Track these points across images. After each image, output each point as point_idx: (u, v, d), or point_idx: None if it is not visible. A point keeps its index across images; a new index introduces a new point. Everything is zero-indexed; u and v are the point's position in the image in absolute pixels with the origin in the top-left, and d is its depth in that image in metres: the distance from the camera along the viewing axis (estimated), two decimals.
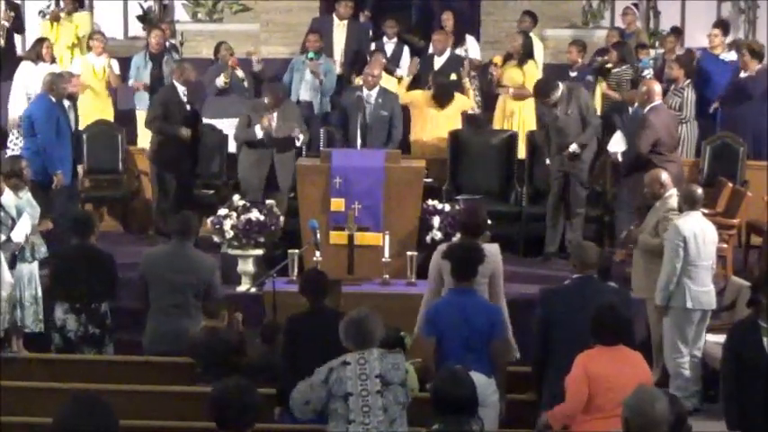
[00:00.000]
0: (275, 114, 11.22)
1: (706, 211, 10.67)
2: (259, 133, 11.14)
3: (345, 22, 14.04)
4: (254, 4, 15.87)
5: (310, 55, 13.03)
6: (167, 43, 13.79)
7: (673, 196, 9.31)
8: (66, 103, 11.71)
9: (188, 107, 11.97)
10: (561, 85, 11.41)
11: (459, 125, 12.47)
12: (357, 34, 14.14)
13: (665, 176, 9.58)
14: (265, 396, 7.27)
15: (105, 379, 8.09)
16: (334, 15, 14.09)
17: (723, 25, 13.86)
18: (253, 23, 15.79)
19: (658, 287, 8.87)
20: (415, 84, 13.16)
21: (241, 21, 15.83)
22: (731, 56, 13.29)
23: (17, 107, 12.68)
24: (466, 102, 12.68)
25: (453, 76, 13.10)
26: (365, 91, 11.75)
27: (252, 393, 5.66)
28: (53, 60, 13.08)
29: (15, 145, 12.47)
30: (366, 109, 11.65)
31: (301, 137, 11.20)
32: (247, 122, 11.25)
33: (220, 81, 12.94)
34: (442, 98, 12.40)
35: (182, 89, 11.97)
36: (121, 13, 16.34)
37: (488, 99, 13.56)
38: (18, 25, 14.81)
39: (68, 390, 7.81)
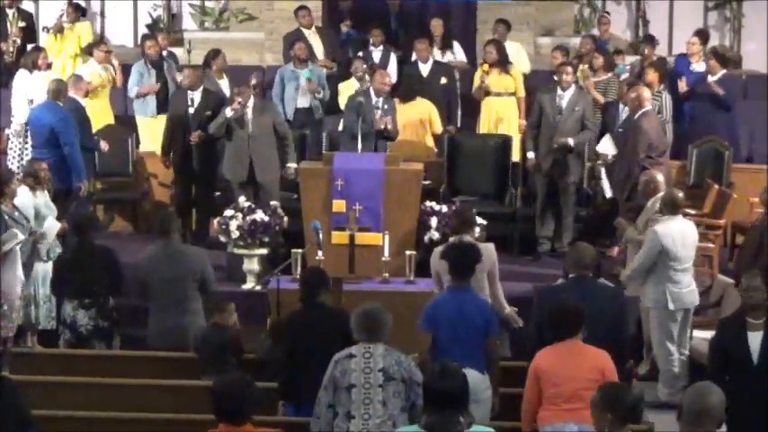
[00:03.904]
0: (249, 105, 11.17)
1: (693, 212, 10.71)
2: (229, 113, 11.07)
3: (313, 29, 14.06)
4: (259, 14, 15.86)
5: (307, 75, 12.94)
6: (165, 51, 13.74)
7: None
8: (83, 103, 11.70)
9: (191, 111, 11.72)
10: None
11: (424, 130, 12.34)
12: (329, 39, 14.14)
13: (660, 178, 9.60)
14: (270, 389, 7.32)
15: (113, 373, 8.10)
16: (299, 27, 14.05)
17: (702, 34, 13.83)
18: (257, 32, 15.78)
19: (623, 274, 9.03)
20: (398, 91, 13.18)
21: (246, 29, 15.83)
22: (700, 66, 13.23)
23: (20, 114, 12.52)
24: (432, 109, 12.46)
25: (444, 80, 13.08)
26: (374, 98, 11.68)
27: (251, 387, 5.71)
28: (49, 68, 12.98)
29: (13, 151, 12.45)
30: (377, 114, 11.61)
31: (293, 167, 11.21)
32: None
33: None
34: (405, 96, 12.31)
35: (190, 94, 11.81)
36: (131, 21, 16.37)
37: (470, 104, 13.47)
38: (31, 37, 14.80)
39: (78, 383, 7.84)
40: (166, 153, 12.02)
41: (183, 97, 11.90)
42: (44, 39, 14.57)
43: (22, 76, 12.78)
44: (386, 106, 11.64)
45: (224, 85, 12.77)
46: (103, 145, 11.91)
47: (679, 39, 15.25)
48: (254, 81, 12.72)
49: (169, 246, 8.87)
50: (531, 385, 6.69)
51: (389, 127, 11.39)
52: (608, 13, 15.36)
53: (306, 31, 13.98)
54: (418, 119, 12.34)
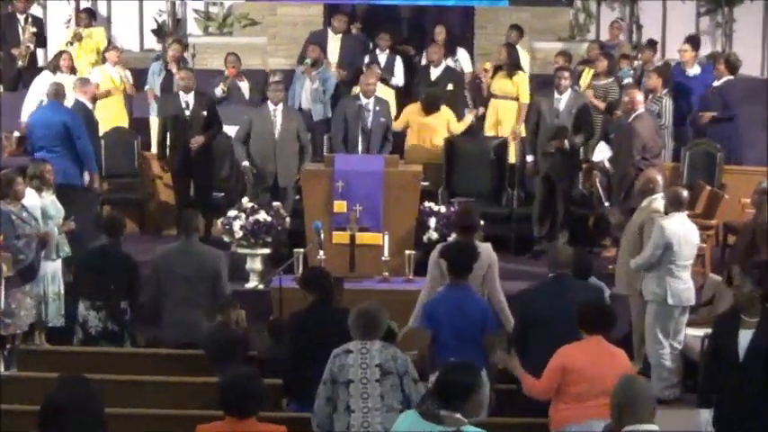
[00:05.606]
0: (279, 109, 11.18)
1: (686, 212, 10.67)
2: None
3: (340, 35, 14.07)
4: (262, 19, 15.88)
5: (306, 61, 13.02)
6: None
7: (658, 199, 9.29)
8: (90, 105, 11.66)
9: (187, 113, 11.67)
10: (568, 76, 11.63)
11: (445, 135, 12.34)
12: (351, 46, 14.15)
13: (659, 177, 9.57)
14: (274, 387, 7.29)
15: (121, 370, 8.07)
16: (329, 29, 14.10)
17: (693, 41, 13.87)
18: (260, 37, 15.78)
19: (633, 264, 8.96)
20: (410, 94, 13.13)
21: (249, 34, 15.84)
22: (695, 70, 13.24)
23: (28, 113, 12.42)
24: (451, 116, 12.49)
25: (450, 86, 13.05)
26: (363, 99, 11.66)
27: (256, 383, 5.71)
28: (72, 71, 13.00)
29: None
30: (367, 116, 11.59)
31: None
32: (248, 127, 11.19)
33: (218, 90, 12.81)
34: (429, 107, 12.31)
35: (184, 97, 11.75)
36: (137, 26, 16.37)
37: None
38: (41, 41, 14.81)
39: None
40: (162, 156, 11.94)
41: (176, 100, 11.82)
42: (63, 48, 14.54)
43: (43, 77, 12.85)
44: (377, 108, 11.61)
45: (244, 87, 12.78)
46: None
47: (671, 44, 15.24)
48: None
49: (189, 245, 8.93)
50: (552, 376, 6.65)
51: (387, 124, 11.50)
52: (621, 19, 15.37)
53: (332, 35, 14.02)
54: (440, 126, 12.33)
